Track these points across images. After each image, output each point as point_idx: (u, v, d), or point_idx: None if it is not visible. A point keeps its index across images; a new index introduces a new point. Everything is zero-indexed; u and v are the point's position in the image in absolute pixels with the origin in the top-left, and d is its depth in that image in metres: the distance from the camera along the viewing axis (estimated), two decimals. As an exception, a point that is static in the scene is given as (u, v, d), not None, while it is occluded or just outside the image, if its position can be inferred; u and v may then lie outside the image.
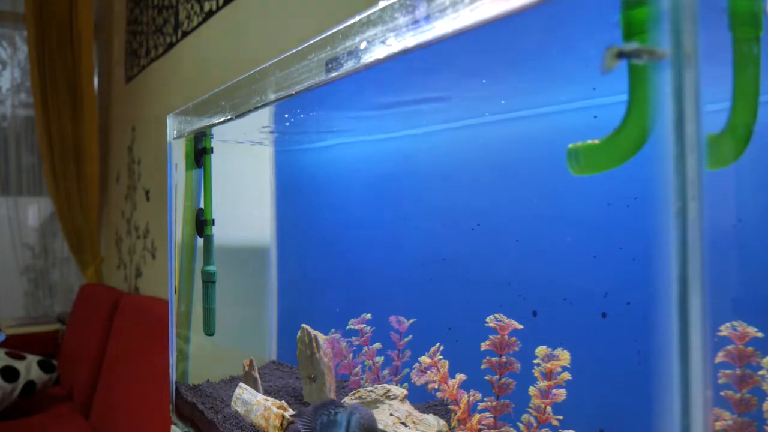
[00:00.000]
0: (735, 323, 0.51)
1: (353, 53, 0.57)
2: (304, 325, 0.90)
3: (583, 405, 0.64)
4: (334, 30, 0.59)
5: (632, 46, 0.33)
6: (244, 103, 0.78)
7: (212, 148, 1.01)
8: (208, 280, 1.01)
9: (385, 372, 0.85)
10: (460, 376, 0.71)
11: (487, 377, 0.68)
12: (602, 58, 0.35)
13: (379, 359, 0.85)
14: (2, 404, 2.14)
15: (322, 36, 0.60)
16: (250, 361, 0.92)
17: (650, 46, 0.32)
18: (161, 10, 2.25)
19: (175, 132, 1.01)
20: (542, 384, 0.63)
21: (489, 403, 0.68)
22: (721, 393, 0.52)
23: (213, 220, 1.01)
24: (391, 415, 0.67)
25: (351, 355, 0.88)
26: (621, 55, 0.34)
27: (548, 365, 0.62)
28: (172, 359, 1.04)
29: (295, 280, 1.19)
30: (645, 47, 0.33)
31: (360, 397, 0.70)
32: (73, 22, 2.89)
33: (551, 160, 0.72)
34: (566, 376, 0.62)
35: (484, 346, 0.68)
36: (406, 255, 0.94)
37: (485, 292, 0.81)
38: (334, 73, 0.59)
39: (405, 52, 0.51)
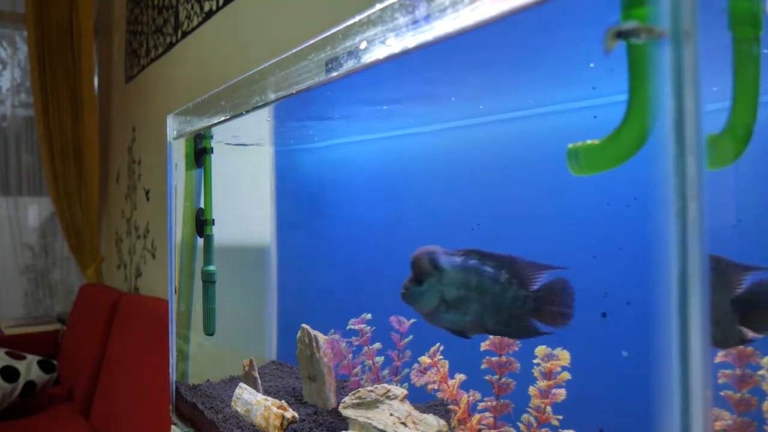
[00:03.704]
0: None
1: (353, 53, 0.57)
2: (304, 325, 0.90)
3: (583, 405, 0.64)
4: (334, 30, 0.59)
5: (631, 24, 0.33)
6: (244, 103, 0.78)
7: (212, 148, 1.01)
8: (208, 280, 1.01)
9: (385, 372, 0.85)
10: (460, 376, 0.71)
11: (487, 377, 0.68)
12: (603, 40, 0.35)
13: (379, 359, 0.85)
14: (2, 404, 2.14)
15: (322, 36, 0.60)
16: (250, 361, 0.92)
17: (648, 25, 0.32)
18: (161, 10, 2.25)
19: (175, 132, 1.01)
20: (542, 384, 0.63)
21: (489, 403, 0.68)
22: (721, 393, 0.52)
23: (213, 220, 1.01)
24: (391, 415, 0.67)
25: (351, 355, 0.88)
26: (620, 34, 0.34)
27: (548, 365, 0.62)
28: (172, 359, 1.04)
29: (295, 280, 1.19)
30: (643, 26, 0.33)
31: (360, 397, 0.70)
32: (73, 22, 2.89)
33: (551, 160, 0.72)
34: (566, 375, 0.62)
35: (484, 346, 0.68)
36: (407, 255, 0.94)
37: (485, 292, 0.81)
38: (334, 73, 0.59)
39: (405, 53, 0.51)
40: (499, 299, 0.64)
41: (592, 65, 0.56)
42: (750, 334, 0.56)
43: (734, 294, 0.59)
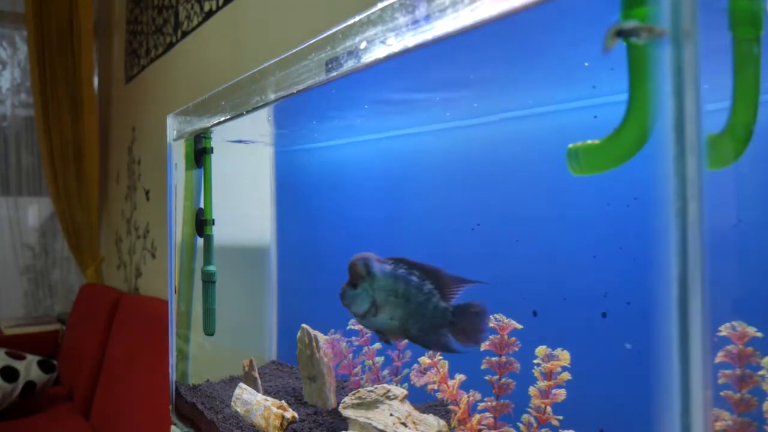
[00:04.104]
0: (735, 323, 0.51)
1: (353, 53, 0.57)
2: (304, 325, 0.90)
3: (583, 405, 0.64)
4: (334, 30, 0.59)
5: (631, 24, 0.34)
6: (244, 103, 0.78)
7: (212, 148, 1.00)
8: (208, 280, 1.01)
9: (385, 372, 0.85)
10: (460, 377, 0.71)
11: (487, 377, 0.68)
12: (603, 38, 0.35)
13: (379, 359, 0.85)
14: (2, 404, 2.14)
15: (322, 36, 0.60)
16: (250, 361, 0.92)
17: (649, 24, 0.32)
18: (161, 10, 2.25)
19: (175, 132, 1.01)
20: (542, 384, 0.63)
21: (489, 403, 0.68)
22: (721, 393, 0.52)
23: (213, 220, 1.01)
24: (391, 415, 0.67)
25: (351, 355, 0.88)
26: (620, 33, 0.34)
27: (548, 365, 0.62)
28: (172, 359, 1.04)
29: (295, 280, 1.19)
30: (644, 25, 0.33)
31: (360, 397, 0.70)
32: (73, 22, 2.89)
33: (551, 160, 0.72)
34: (566, 376, 0.62)
35: (484, 346, 0.68)
36: (406, 255, 0.94)
37: (485, 292, 0.81)
38: (334, 73, 0.59)
39: (405, 52, 0.51)
40: (422, 308, 0.68)
41: (587, 65, 0.56)
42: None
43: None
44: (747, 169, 0.50)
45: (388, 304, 0.69)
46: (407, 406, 0.69)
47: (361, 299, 0.71)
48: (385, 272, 0.70)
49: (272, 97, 0.71)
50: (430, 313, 0.67)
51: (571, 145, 0.43)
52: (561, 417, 0.63)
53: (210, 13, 1.82)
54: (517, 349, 0.67)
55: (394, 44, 0.51)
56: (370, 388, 0.71)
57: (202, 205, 1.02)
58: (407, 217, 0.94)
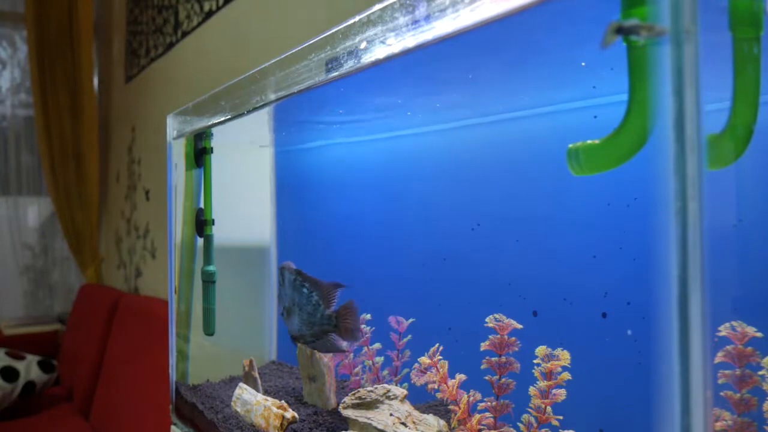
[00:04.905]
0: (735, 323, 0.51)
1: (353, 53, 0.57)
2: (304, 325, 0.90)
3: (583, 405, 0.64)
4: (334, 30, 0.59)
5: (632, 22, 0.34)
6: (244, 103, 0.78)
7: (212, 148, 1.00)
8: (208, 280, 1.01)
9: (385, 372, 0.85)
10: (460, 377, 0.71)
11: (486, 377, 0.68)
12: (603, 34, 0.35)
13: (379, 359, 0.85)
14: (2, 404, 2.14)
15: (322, 36, 0.61)
16: (250, 361, 0.92)
17: (649, 22, 0.32)
18: (161, 9, 2.25)
19: (175, 132, 1.01)
20: (542, 384, 0.63)
21: (489, 403, 0.68)
22: (721, 393, 0.52)
23: (213, 220, 1.01)
24: (391, 415, 0.67)
25: (351, 355, 0.88)
26: (620, 30, 0.34)
27: (548, 365, 0.62)
28: (172, 359, 1.04)
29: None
30: (644, 23, 0.33)
31: (360, 397, 0.70)
32: (73, 22, 2.88)
33: (551, 160, 0.72)
34: (566, 376, 0.62)
35: (484, 346, 0.68)
36: (406, 255, 0.94)
37: (485, 292, 0.81)
38: (334, 73, 0.59)
39: (405, 53, 0.51)
40: (312, 317, 0.76)
41: (587, 65, 0.56)
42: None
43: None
44: (747, 169, 0.50)
45: (293, 311, 0.78)
46: (407, 406, 0.69)
47: (279, 304, 0.80)
48: (290, 282, 0.77)
49: (272, 97, 0.71)
50: (318, 320, 0.75)
51: (571, 145, 0.43)
52: (561, 417, 0.63)
53: (210, 13, 1.82)
54: (517, 349, 0.67)
55: (394, 44, 0.51)
56: (370, 388, 0.71)
57: (202, 205, 1.02)
58: (407, 216, 0.94)
